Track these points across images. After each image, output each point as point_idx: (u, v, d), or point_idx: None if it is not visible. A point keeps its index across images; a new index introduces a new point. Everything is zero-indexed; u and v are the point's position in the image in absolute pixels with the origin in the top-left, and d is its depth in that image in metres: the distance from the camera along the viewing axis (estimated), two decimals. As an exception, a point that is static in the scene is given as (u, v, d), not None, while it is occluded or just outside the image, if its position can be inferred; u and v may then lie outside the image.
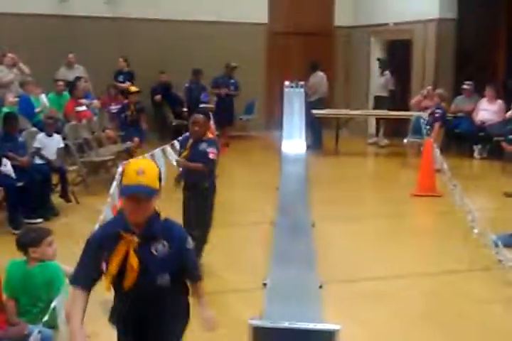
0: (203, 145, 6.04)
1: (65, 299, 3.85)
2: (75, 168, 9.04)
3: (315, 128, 13.11)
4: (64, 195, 8.26)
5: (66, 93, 11.37)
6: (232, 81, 14.07)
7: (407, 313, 5.20)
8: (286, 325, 3.48)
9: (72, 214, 8.00)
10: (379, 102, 13.98)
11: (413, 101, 12.92)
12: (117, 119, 11.31)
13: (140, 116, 11.20)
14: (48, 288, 4.67)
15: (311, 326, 3.52)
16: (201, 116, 6.12)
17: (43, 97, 10.78)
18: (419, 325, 4.97)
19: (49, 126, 8.47)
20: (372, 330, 4.78)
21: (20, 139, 7.98)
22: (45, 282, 4.66)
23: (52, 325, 4.02)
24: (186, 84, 13.87)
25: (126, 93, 11.86)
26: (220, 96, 13.82)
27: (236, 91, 14.04)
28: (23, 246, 4.60)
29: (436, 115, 11.66)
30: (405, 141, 12.21)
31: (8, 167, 7.07)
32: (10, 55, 11.25)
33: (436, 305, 5.42)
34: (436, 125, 11.49)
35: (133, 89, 11.59)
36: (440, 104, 12.04)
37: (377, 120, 14.27)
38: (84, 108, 10.68)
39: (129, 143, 10.72)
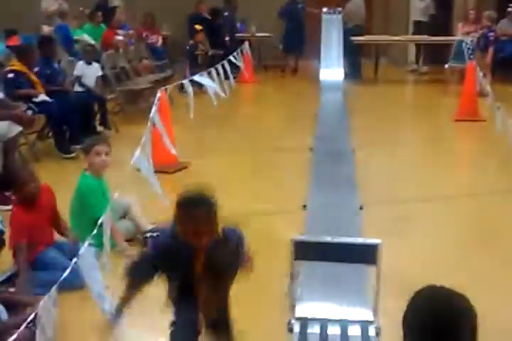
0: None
1: (110, 218, 3.87)
2: (113, 96, 9.02)
3: (353, 56, 12.90)
4: (104, 123, 8.29)
5: (102, 24, 11.28)
6: (300, 6, 13.80)
7: (448, 233, 5.17)
8: (328, 239, 3.49)
9: (112, 142, 8.02)
10: (419, 27, 13.59)
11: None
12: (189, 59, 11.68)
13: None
14: (76, 202, 4.73)
15: (353, 240, 3.54)
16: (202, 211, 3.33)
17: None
18: (462, 244, 4.94)
19: (88, 54, 8.41)
20: (416, 247, 4.76)
21: (56, 66, 7.94)
22: (75, 196, 4.71)
23: (97, 243, 4.08)
24: (225, 13, 13.64)
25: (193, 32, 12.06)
26: (291, 23, 13.66)
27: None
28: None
29: (491, 38, 11.34)
30: (446, 66, 11.94)
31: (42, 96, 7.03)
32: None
33: (476, 225, 5.38)
34: (490, 49, 11.21)
35: (198, 27, 11.73)
36: (491, 27, 11.67)
37: (418, 46, 13.92)
38: (121, 38, 10.58)
39: (166, 72, 10.74)
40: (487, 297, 4.00)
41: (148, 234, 4.70)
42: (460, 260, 4.63)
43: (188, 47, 12.27)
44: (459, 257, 4.69)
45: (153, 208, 5.13)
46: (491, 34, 11.58)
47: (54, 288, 2.88)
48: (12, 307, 3.37)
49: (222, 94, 8.33)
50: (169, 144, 6.48)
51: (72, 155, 7.04)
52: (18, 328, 2.65)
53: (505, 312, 3.86)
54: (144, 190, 4.98)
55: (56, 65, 7.98)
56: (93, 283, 3.20)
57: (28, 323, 2.71)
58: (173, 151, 6.49)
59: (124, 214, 4.93)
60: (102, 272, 3.30)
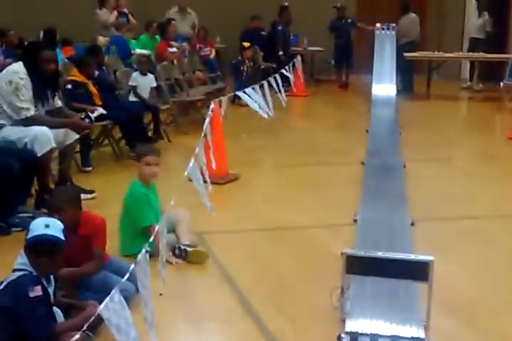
0: None
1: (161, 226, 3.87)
2: (166, 107, 9.13)
3: (406, 71, 12.86)
4: (156, 133, 8.39)
5: (157, 36, 11.46)
6: (349, 20, 13.86)
7: (502, 253, 5.07)
8: (380, 254, 3.47)
9: (164, 152, 8.11)
10: (475, 44, 13.45)
11: None
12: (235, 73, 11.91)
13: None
14: (124, 209, 4.74)
15: (405, 256, 3.51)
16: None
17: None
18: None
19: (143, 65, 8.57)
20: (468, 265, 4.68)
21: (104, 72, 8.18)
22: (124, 203, 4.74)
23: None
24: (279, 27, 13.71)
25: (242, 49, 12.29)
26: (341, 39, 13.77)
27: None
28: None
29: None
30: (502, 84, 11.77)
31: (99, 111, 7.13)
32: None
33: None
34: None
35: (246, 44, 11.87)
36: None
37: (472, 63, 13.78)
38: (174, 49, 10.73)
39: (218, 85, 10.84)
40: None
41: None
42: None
43: (234, 62, 12.42)
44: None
45: (201, 219, 5.19)
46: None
47: (116, 290, 2.89)
48: (65, 310, 3.42)
49: (268, 114, 8.33)
50: (212, 157, 6.49)
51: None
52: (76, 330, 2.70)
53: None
54: (194, 201, 5.01)
55: (104, 71, 8.21)
56: (144, 290, 3.23)
57: (86, 327, 2.73)
58: (214, 165, 6.48)
59: (173, 228, 4.93)
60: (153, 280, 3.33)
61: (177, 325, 3.84)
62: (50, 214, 3.74)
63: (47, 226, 3.14)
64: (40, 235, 3.13)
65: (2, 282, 3.28)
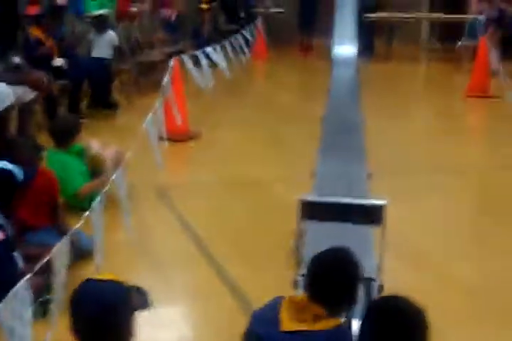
0: None
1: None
2: (127, 67, 9.04)
3: (367, 32, 12.83)
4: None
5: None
6: None
7: (456, 203, 5.23)
8: (334, 199, 3.55)
9: (123, 112, 8.10)
10: (435, 5, 13.51)
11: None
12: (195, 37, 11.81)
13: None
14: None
15: (359, 201, 3.59)
16: None
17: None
18: (471, 212, 5.01)
19: (98, 24, 8.42)
20: (421, 213, 4.84)
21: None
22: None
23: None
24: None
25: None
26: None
27: None
28: None
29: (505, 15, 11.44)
30: (459, 44, 11.88)
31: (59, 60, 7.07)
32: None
33: (484, 195, 5.43)
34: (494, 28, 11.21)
35: (204, 6, 11.76)
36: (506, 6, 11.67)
37: (431, 24, 13.83)
38: (135, 9, 10.59)
39: (180, 46, 10.75)
40: (489, 260, 4.11)
41: None
42: (466, 226, 4.72)
43: (194, 26, 12.32)
44: (466, 224, 4.78)
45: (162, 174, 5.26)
46: (507, 12, 11.54)
47: (67, 237, 2.98)
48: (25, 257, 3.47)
49: (227, 74, 8.35)
50: (177, 113, 6.53)
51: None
52: (34, 274, 2.75)
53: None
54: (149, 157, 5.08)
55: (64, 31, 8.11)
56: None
57: (41, 270, 2.80)
58: (179, 121, 6.54)
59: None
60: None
61: (141, 270, 3.92)
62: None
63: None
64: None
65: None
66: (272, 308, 2.30)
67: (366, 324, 1.93)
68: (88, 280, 2.06)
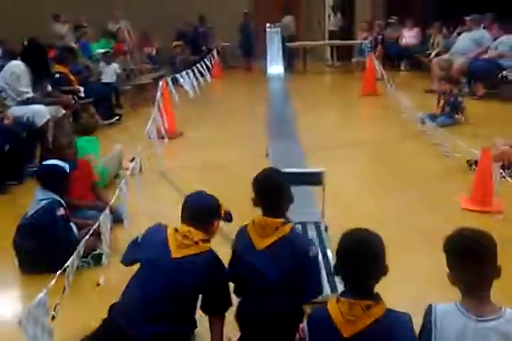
0: None
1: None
2: (126, 88, 8.84)
3: (289, 56, 12.82)
4: (118, 106, 8.19)
5: (112, 39, 10.96)
6: (251, 24, 13.40)
7: (363, 165, 5.31)
8: (290, 170, 3.53)
9: (127, 118, 7.95)
10: (333, 35, 13.53)
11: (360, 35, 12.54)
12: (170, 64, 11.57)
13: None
14: None
15: (306, 170, 3.61)
16: None
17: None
18: (374, 171, 5.09)
19: (106, 58, 8.25)
20: (345, 175, 4.89)
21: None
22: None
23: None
24: (201, 29, 13.33)
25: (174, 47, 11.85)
26: (245, 36, 13.34)
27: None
28: None
29: (379, 40, 11.53)
30: (353, 60, 11.98)
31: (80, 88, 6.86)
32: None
33: (381, 160, 5.50)
34: (379, 46, 11.32)
35: (176, 43, 11.59)
36: (381, 32, 11.74)
37: (332, 48, 13.87)
38: (126, 48, 10.33)
39: (160, 72, 10.54)
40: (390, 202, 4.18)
41: None
42: (370, 180, 4.79)
43: (169, 57, 12.09)
44: (370, 179, 4.85)
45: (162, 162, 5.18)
46: (379, 37, 11.65)
47: (107, 209, 2.91)
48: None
49: (194, 92, 8.28)
50: (167, 119, 6.42)
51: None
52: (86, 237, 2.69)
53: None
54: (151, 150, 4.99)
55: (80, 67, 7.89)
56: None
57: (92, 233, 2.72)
58: (166, 125, 6.40)
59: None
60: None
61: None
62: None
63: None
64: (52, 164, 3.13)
65: (29, 212, 3.20)
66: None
67: (340, 250, 1.77)
68: (190, 195, 2.31)
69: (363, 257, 1.69)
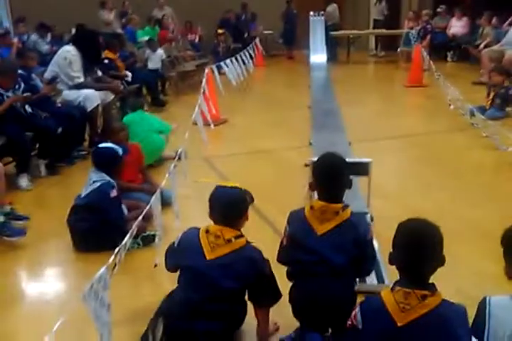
0: None
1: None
2: (171, 75, 8.93)
3: (332, 45, 12.67)
4: (163, 92, 8.28)
5: (156, 27, 11.06)
6: (294, 11, 13.35)
7: (410, 157, 5.24)
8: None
9: (171, 104, 8.05)
10: (377, 24, 13.28)
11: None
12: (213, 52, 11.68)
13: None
14: None
15: (353, 159, 3.59)
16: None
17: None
18: (420, 163, 5.01)
19: (152, 45, 8.33)
20: (389, 167, 4.83)
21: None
22: None
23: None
24: (243, 17, 13.32)
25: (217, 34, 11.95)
26: (288, 24, 13.30)
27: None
28: None
29: (428, 29, 11.26)
30: (398, 50, 11.74)
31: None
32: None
33: (428, 152, 5.41)
34: (428, 36, 11.08)
35: (220, 31, 11.65)
36: (429, 21, 11.46)
37: (376, 37, 13.62)
38: (171, 35, 10.42)
39: (203, 60, 10.61)
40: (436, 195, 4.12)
41: None
42: (415, 172, 4.72)
43: (212, 45, 12.14)
44: (416, 171, 4.79)
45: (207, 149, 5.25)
46: (428, 26, 11.36)
47: (158, 192, 2.97)
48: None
49: (237, 80, 8.32)
50: (212, 106, 6.49)
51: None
52: (136, 219, 2.76)
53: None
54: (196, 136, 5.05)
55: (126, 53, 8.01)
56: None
57: (144, 215, 2.79)
58: (214, 111, 6.49)
59: None
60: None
61: (202, 213, 3.91)
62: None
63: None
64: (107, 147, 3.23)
65: (83, 192, 3.30)
66: None
67: (398, 239, 1.72)
68: (218, 187, 2.28)
69: (422, 247, 1.66)
